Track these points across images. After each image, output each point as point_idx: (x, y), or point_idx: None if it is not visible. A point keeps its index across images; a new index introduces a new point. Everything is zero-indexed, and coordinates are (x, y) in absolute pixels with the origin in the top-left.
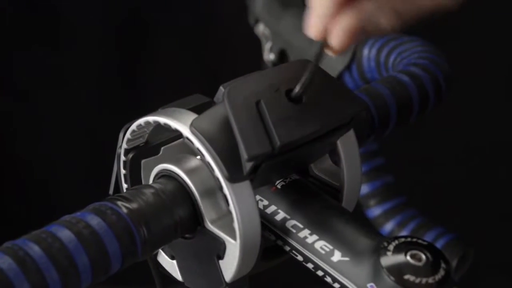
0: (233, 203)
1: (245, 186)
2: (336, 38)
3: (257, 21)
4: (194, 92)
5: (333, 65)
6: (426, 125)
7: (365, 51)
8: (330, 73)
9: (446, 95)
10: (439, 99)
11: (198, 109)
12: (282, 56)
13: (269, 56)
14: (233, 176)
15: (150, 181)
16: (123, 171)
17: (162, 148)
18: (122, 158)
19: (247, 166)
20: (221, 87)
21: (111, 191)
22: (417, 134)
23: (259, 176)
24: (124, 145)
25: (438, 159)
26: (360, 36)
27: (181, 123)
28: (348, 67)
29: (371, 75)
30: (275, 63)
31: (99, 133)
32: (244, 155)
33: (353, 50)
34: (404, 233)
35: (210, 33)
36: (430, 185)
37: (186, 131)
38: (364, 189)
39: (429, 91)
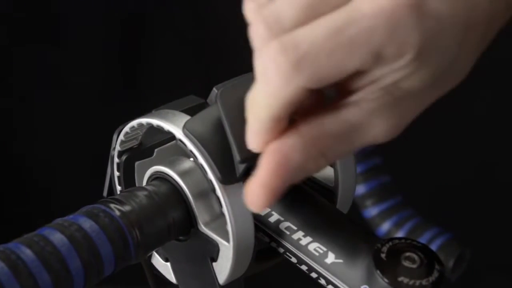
0: (226, 205)
1: (238, 188)
2: (254, 196)
3: None
4: (194, 92)
5: None
6: (426, 125)
7: None
8: None
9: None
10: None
11: (191, 111)
12: None
13: None
14: (226, 178)
15: (144, 183)
16: (116, 173)
17: (156, 150)
18: (116, 160)
19: (240, 168)
20: (214, 89)
21: (105, 193)
22: (417, 134)
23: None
24: (118, 147)
25: (438, 159)
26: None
27: (174, 125)
28: None
29: None
30: None
31: (98, 133)
32: (237, 157)
33: None
34: (400, 233)
35: (210, 33)
36: (429, 185)
37: (178, 133)
38: (361, 189)
39: None
